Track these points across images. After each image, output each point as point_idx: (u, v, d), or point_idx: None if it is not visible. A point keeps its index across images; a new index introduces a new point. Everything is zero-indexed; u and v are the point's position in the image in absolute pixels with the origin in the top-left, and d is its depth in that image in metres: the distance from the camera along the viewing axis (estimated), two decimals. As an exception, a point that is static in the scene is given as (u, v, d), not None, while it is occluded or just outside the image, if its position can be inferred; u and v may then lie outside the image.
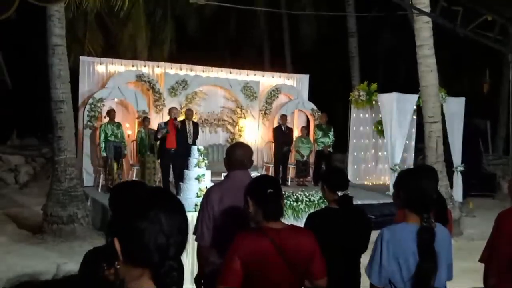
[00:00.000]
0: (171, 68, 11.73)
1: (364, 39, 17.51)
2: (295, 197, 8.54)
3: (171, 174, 9.70)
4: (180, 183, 6.50)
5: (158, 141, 9.59)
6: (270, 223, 2.53)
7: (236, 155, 3.36)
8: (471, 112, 11.54)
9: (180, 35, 16.73)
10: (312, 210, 7.00)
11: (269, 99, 12.52)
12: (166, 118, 10.00)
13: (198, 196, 6.01)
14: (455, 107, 10.68)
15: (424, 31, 8.91)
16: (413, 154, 12.45)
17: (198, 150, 6.25)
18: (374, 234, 2.84)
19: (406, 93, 10.51)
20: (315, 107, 13.00)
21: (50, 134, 10.03)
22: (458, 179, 10.59)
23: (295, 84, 13.26)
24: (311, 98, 13.48)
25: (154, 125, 10.43)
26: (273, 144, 11.80)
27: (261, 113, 12.47)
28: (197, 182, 6.12)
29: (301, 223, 4.42)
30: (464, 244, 8.19)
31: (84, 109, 10.46)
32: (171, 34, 15.50)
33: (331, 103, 21.73)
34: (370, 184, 12.25)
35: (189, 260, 5.56)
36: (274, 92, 12.60)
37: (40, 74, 10.32)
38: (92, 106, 10.42)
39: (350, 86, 15.36)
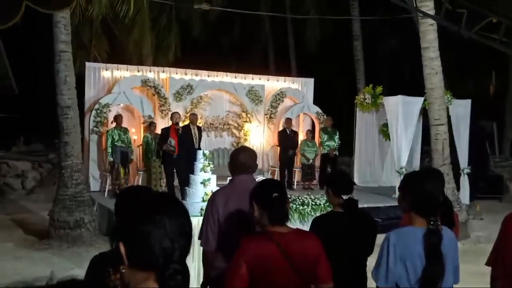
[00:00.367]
0: (176, 73, 11.77)
1: (369, 42, 17.52)
2: (301, 200, 8.54)
3: (176, 179, 9.70)
4: (186, 187, 6.50)
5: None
6: (275, 227, 2.53)
7: (241, 159, 3.36)
8: (477, 114, 11.50)
9: (185, 40, 16.80)
10: (318, 214, 6.99)
11: (274, 103, 12.53)
12: (169, 122, 10.02)
13: (204, 201, 6.02)
14: (461, 109, 10.63)
15: (429, 34, 8.89)
16: (419, 157, 12.41)
17: (204, 154, 6.26)
18: (380, 237, 2.84)
19: (412, 96, 10.48)
20: (320, 111, 12.99)
21: (56, 139, 10.10)
22: (465, 182, 10.54)
23: (300, 87, 13.27)
24: (316, 101, 13.48)
25: (160, 130, 10.45)
26: (278, 148, 11.80)
27: (266, 117, 12.48)
28: (203, 187, 6.13)
29: (307, 227, 4.42)
30: (471, 247, 8.15)
31: (90, 115, 10.51)
32: (176, 39, 15.56)
33: (337, 106, 21.74)
34: (376, 187, 12.21)
35: (195, 265, 5.56)
36: (279, 96, 12.62)
37: (46, 80, 10.41)
38: (98, 111, 10.47)
39: (355, 89, 15.34)
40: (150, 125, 10.54)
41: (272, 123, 12.56)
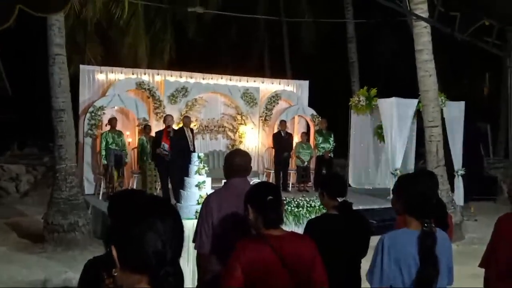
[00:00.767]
0: (171, 76, 11.76)
1: (363, 44, 17.55)
2: (296, 202, 8.54)
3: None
4: (180, 190, 6.49)
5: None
6: (270, 230, 2.53)
7: (235, 162, 3.36)
8: (471, 116, 11.55)
9: (180, 42, 16.79)
10: (313, 216, 6.99)
11: (269, 105, 12.54)
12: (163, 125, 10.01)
13: (198, 203, 6.00)
14: (455, 111, 10.69)
15: (423, 36, 8.93)
16: (414, 159, 12.45)
17: (198, 157, 6.25)
18: (375, 239, 2.84)
19: (406, 98, 10.52)
20: (315, 113, 13.02)
21: (50, 143, 10.07)
22: (459, 183, 10.58)
23: (295, 90, 13.29)
24: (311, 103, 13.50)
25: (154, 133, 10.44)
26: (273, 150, 11.82)
27: (261, 119, 12.49)
28: (198, 189, 6.11)
29: (302, 229, 4.41)
30: (466, 249, 8.17)
31: (85, 118, 10.48)
32: (171, 41, 15.55)
33: (332, 108, 21.79)
34: (371, 188, 12.24)
35: (190, 268, 5.55)
36: (274, 98, 12.63)
37: (41, 83, 10.37)
38: (93, 114, 10.44)
39: (350, 92, 15.38)
40: (145, 128, 10.53)
41: (267, 126, 12.57)
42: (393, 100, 10.50)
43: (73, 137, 8.41)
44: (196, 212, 5.85)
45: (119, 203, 2.29)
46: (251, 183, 3.38)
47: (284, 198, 8.39)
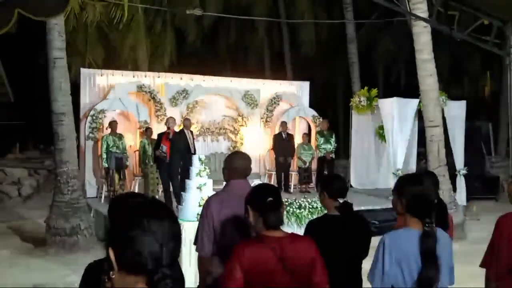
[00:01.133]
0: (172, 78, 11.78)
1: (363, 45, 17.56)
2: (298, 204, 8.53)
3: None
4: (182, 192, 6.49)
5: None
6: (270, 231, 2.54)
7: (235, 164, 3.36)
8: (473, 115, 11.55)
9: (180, 45, 16.82)
10: (315, 217, 6.99)
11: (270, 107, 12.55)
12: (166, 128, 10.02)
13: (200, 206, 6.01)
14: (456, 110, 10.68)
15: (422, 36, 8.93)
16: (415, 159, 12.43)
17: (199, 159, 6.25)
18: (376, 240, 2.84)
19: (407, 98, 10.52)
20: (316, 114, 13.02)
21: (52, 146, 10.08)
22: (461, 183, 10.57)
23: (295, 91, 13.29)
24: (313, 104, 13.51)
25: (156, 135, 10.45)
26: (272, 151, 11.84)
27: (262, 121, 12.50)
28: (199, 191, 6.12)
29: (303, 230, 4.42)
30: (468, 248, 8.14)
31: (86, 121, 10.50)
32: (171, 44, 15.58)
33: (332, 109, 21.82)
34: (373, 189, 12.22)
35: (193, 270, 5.55)
36: (275, 100, 12.64)
37: (42, 86, 10.40)
38: (94, 117, 10.46)
39: (351, 92, 15.38)
40: (146, 131, 10.53)
41: (268, 127, 12.58)
42: (394, 100, 10.49)
43: (74, 140, 8.42)
44: (198, 214, 5.86)
45: (118, 206, 2.29)
46: (252, 184, 3.38)
47: (285, 200, 8.47)
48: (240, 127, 12.29)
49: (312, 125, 13.04)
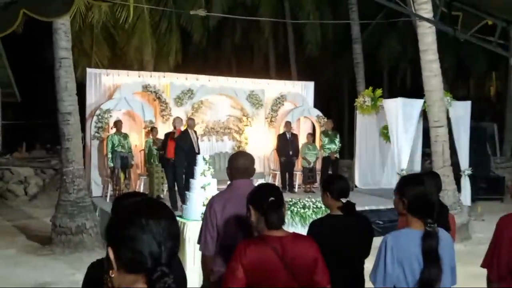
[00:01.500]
0: (177, 78, 11.82)
1: (368, 45, 17.54)
2: (302, 204, 8.55)
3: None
4: (186, 192, 6.52)
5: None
6: (272, 231, 2.55)
7: (238, 164, 3.38)
8: (478, 116, 11.51)
9: (186, 45, 16.87)
10: (318, 217, 7.00)
11: (274, 107, 12.57)
12: (172, 127, 10.05)
13: (204, 205, 6.03)
14: (461, 111, 10.65)
15: (427, 36, 8.91)
16: (420, 159, 12.41)
17: (203, 159, 6.28)
18: (378, 240, 2.85)
19: (412, 98, 10.50)
20: (320, 114, 13.02)
21: (58, 145, 10.15)
22: (466, 183, 10.53)
23: (300, 91, 13.30)
24: (318, 105, 13.51)
25: (161, 135, 10.50)
26: (276, 151, 11.86)
27: (267, 121, 12.52)
28: (203, 191, 6.15)
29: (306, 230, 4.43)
30: (473, 249, 8.13)
31: (92, 120, 10.56)
32: (177, 44, 15.61)
33: (337, 109, 21.81)
34: (378, 189, 12.21)
35: (197, 269, 5.57)
36: (280, 100, 12.65)
37: (48, 86, 10.48)
38: (100, 117, 10.51)
39: (356, 92, 15.38)
40: (151, 130, 10.57)
41: (272, 127, 12.59)
42: (398, 100, 10.48)
43: (79, 140, 8.47)
44: (202, 213, 5.88)
45: (119, 205, 2.31)
46: (255, 184, 3.40)
47: (290, 199, 8.49)
48: (245, 127, 12.31)
49: (317, 125, 13.04)
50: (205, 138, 11.83)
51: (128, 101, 10.85)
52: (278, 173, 11.92)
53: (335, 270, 2.90)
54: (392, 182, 12.12)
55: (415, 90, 10.65)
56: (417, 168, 12.01)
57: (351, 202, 3.47)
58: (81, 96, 9.65)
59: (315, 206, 8.53)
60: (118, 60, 14.85)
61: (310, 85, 13.51)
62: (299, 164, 12.02)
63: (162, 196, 10.12)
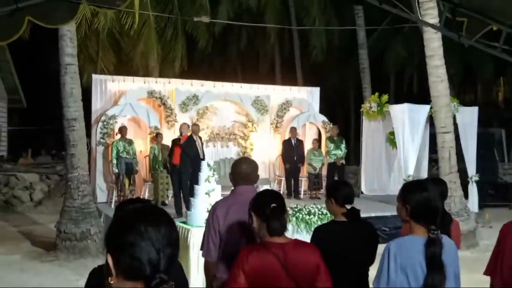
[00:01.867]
0: (182, 84, 11.83)
1: (375, 50, 17.51)
2: (307, 210, 8.49)
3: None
4: (190, 198, 6.51)
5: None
6: (274, 238, 2.53)
7: (241, 170, 3.36)
8: (486, 121, 11.44)
9: (191, 51, 16.91)
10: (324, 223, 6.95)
11: (280, 112, 12.55)
12: (178, 133, 10.06)
13: (208, 211, 6.01)
14: (468, 117, 10.58)
15: (433, 42, 8.88)
16: (427, 165, 12.33)
17: (208, 165, 6.27)
18: (383, 247, 2.82)
19: (419, 104, 10.45)
20: (326, 119, 12.98)
21: (64, 151, 10.18)
22: (473, 189, 10.45)
23: (306, 97, 13.28)
24: (322, 110, 13.48)
25: (166, 141, 10.52)
26: (281, 157, 11.83)
27: (272, 127, 12.49)
28: (207, 197, 6.13)
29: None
30: (480, 256, 8.04)
31: (97, 126, 10.58)
32: (182, 50, 15.65)
33: (344, 115, 21.77)
34: (384, 195, 12.13)
35: (201, 276, 5.55)
36: (285, 105, 12.63)
37: (53, 92, 10.52)
38: (105, 123, 10.54)
39: (362, 98, 15.34)
40: (156, 136, 10.58)
41: (278, 133, 12.57)
42: (405, 106, 10.43)
43: (85, 146, 8.48)
44: (206, 220, 5.86)
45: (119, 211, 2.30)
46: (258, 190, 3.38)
47: (295, 206, 8.44)
48: (250, 133, 12.29)
49: (322, 131, 13.00)
50: (210, 144, 11.82)
51: (133, 107, 10.88)
52: (283, 179, 11.88)
53: (339, 277, 2.87)
54: (398, 188, 12.01)
55: (421, 95, 10.60)
56: (425, 174, 11.92)
57: (355, 208, 3.44)
58: (87, 102, 9.69)
59: (320, 212, 8.46)
60: (124, 66, 14.90)
61: (316, 90, 13.49)
62: (304, 170, 11.98)
63: (167, 202, 10.12)
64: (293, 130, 11.74)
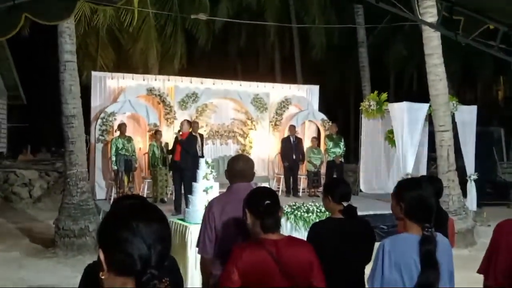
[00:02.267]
0: (182, 81, 11.83)
1: (374, 49, 17.50)
2: (306, 208, 8.50)
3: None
4: (188, 195, 6.52)
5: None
6: (268, 234, 2.54)
7: (237, 167, 3.37)
8: (485, 120, 11.44)
9: (191, 48, 16.90)
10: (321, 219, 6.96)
11: (279, 110, 12.55)
12: (177, 130, 10.05)
13: (206, 208, 6.03)
14: (467, 115, 10.58)
15: (432, 40, 8.88)
16: (426, 163, 12.33)
17: (206, 162, 6.28)
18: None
19: (419, 102, 10.45)
20: (325, 117, 12.98)
21: (63, 148, 10.19)
22: (472, 188, 10.45)
23: (305, 95, 13.28)
24: (321, 108, 13.48)
25: (165, 138, 10.52)
26: (280, 155, 11.84)
27: (272, 124, 12.49)
28: (205, 194, 6.14)
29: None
30: (478, 254, 8.02)
31: (96, 123, 10.59)
32: (182, 48, 15.65)
33: (343, 113, 21.77)
34: (383, 193, 12.13)
35: (199, 273, 5.56)
36: (284, 103, 12.63)
37: (53, 89, 10.54)
38: (104, 120, 10.54)
39: (361, 96, 15.34)
40: (156, 133, 10.58)
41: (277, 131, 12.57)
42: (404, 104, 10.43)
43: (83, 143, 8.50)
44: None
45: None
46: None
47: (293, 203, 8.45)
48: (249, 131, 12.30)
49: (322, 129, 13.00)
50: (209, 142, 11.83)
51: (132, 104, 10.89)
52: (282, 177, 11.89)
53: (335, 274, 2.88)
54: (397, 186, 12.01)
55: (421, 93, 10.59)
56: (423, 172, 11.90)
57: (352, 206, 3.45)
58: (86, 99, 9.70)
59: (318, 210, 8.48)
60: (123, 63, 14.91)
61: (315, 88, 13.49)
62: (303, 168, 11.98)
63: (165, 199, 10.13)
64: (292, 128, 11.73)
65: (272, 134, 12.53)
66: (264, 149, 12.27)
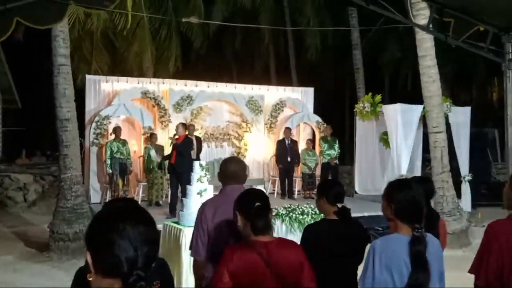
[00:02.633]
0: (176, 84, 11.84)
1: (369, 51, 17.54)
2: (301, 210, 8.50)
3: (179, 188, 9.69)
4: (183, 198, 6.52)
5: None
6: (259, 236, 2.55)
7: (230, 169, 3.39)
8: (480, 121, 11.48)
9: (186, 51, 16.89)
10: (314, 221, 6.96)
11: (274, 113, 12.57)
12: (172, 134, 10.06)
13: (200, 211, 6.02)
14: (461, 116, 10.63)
15: (425, 42, 8.92)
16: (420, 165, 12.36)
17: (200, 165, 6.28)
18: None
19: (414, 104, 10.49)
20: (320, 120, 13.01)
21: (57, 152, 10.17)
22: (466, 189, 10.50)
23: (300, 97, 13.30)
24: (316, 110, 13.51)
25: (160, 141, 10.51)
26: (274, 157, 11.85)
27: (267, 127, 12.51)
28: (199, 197, 6.13)
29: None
30: (472, 255, 8.05)
31: (91, 127, 10.57)
32: (177, 50, 15.65)
33: (338, 115, 21.80)
34: (378, 195, 12.14)
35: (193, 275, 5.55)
36: (279, 106, 12.66)
37: (48, 93, 10.52)
38: (98, 123, 10.53)
39: (356, 98, 15.37)
40: (151, 137, 10.58)
41: (272, 133, 12.59)
42: (398, 106, 10.46)
43: (78, 146, 8.48)
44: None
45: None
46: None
47: (288, 205, 8.45)
48: (244, 133, 12.31)
49: (316, 131, 13.03)
50: (204, 144, 11.82)
51: (127, 107, 10.88)
52: (277, 179, 11.90)
53: (329, 275, 2.88)
54: (392, 188, 12.01)
55: (416, 95, 10.60)
56: (418, 174, 11.91)
57: (346, 207, 3.46)
58: (81, 103, 9.68)
59: (314, 212, 8.46)
60: (118, 66, 14.89)
61: (310, 91, 13.52)
62: (298, 170, 12.00)
63: (161, 202, 10.12)
64: (287, 130, 11.75)
65: (267, 137, 12.55)
66: (259, 152, 12.29)
